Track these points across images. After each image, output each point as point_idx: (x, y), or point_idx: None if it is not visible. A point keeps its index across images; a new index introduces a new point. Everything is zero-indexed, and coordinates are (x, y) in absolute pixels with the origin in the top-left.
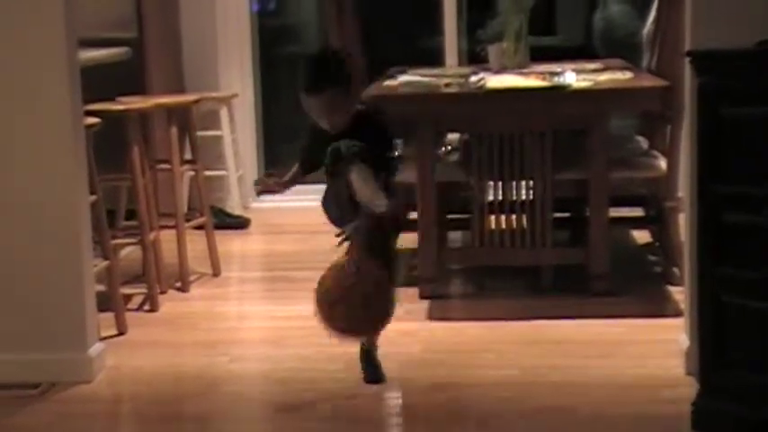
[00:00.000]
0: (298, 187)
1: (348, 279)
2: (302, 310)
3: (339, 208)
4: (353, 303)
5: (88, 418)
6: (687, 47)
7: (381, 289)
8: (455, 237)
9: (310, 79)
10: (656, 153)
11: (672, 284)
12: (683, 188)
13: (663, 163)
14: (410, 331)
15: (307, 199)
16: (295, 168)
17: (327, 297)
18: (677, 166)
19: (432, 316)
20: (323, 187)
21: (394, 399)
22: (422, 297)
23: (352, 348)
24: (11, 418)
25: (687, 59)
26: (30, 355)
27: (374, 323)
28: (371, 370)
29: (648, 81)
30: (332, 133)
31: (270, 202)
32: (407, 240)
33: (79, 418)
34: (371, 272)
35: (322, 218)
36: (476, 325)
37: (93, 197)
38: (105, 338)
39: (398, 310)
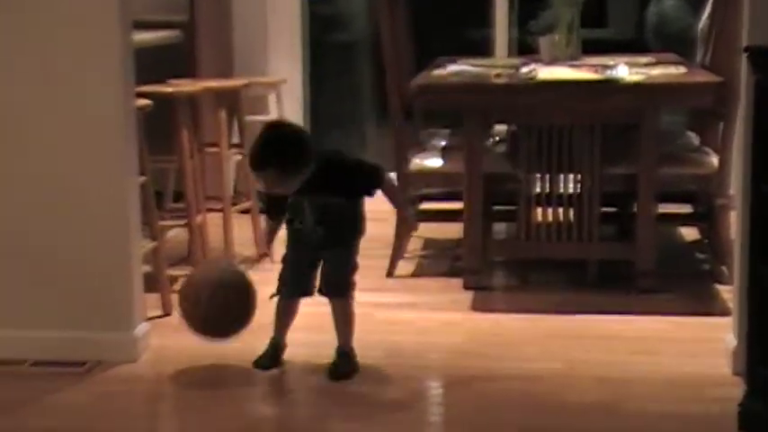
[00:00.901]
0: None
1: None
2: None
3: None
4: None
5: (132, 396)
6: (744, 42)
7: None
8: (499, 228)
9: (253, 157)
10: (707, 149)
11: (720, 283)
12: (734, 186)
13: (714, 160)
14: (453, 322)
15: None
16: (268, 224)
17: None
18: (729, 163)
19: (475, 307)
20: None
21: (436, 388)
22: (466, 288)
23: (394, 336)
24: (57, 394)
25: (744, 55)
26: (77, 334)
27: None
28: (333, 367)
29: (702, 76)
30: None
31: None
32: (452, 231)
33: (123, 396)
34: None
35: (366, 204)
36: (519, 317)
37: (143, 178)
38: (150, 319)
39: (443, 299)
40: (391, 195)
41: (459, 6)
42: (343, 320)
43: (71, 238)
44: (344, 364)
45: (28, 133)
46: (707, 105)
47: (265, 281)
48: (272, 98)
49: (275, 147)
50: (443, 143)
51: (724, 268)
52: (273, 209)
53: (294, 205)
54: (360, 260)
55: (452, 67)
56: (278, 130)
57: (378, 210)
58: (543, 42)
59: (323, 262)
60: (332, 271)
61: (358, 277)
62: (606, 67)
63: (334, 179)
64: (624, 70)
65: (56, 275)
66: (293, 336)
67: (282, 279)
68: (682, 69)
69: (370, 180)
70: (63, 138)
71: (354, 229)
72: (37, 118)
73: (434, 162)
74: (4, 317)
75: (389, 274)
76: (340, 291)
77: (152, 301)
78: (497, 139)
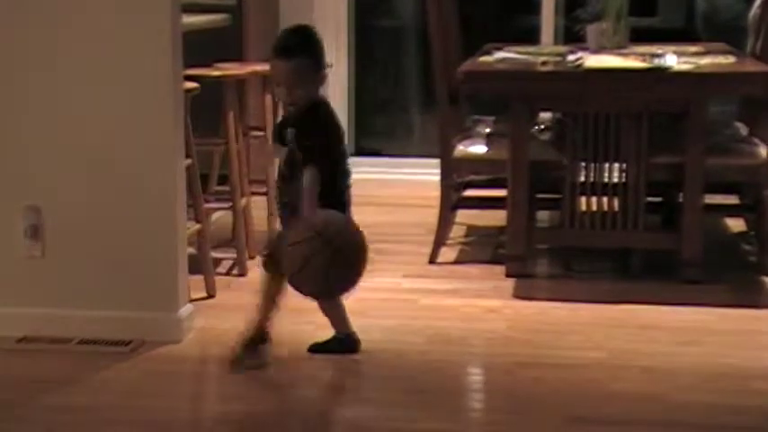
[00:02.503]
0: (383, 160)
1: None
2: (387, 282)
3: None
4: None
5: (175, 376)
6: None
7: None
8: (543, 216)
9: (283, 43)
10: (756, 140)
11: (766, 275)
12: None
13: (763, 150)
14: (495, 308)
15: (393, 172)
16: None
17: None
18: None
19: (518, 294)
20: (408, 161)
21: (478, 375)
22: (508, 275)
23: (436, 322)
24: (102, 372)
25: None
26: (123, 313)
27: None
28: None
29: (752, 66)
30: (288, 108)
31: (356, 173)
32: (496, 218)
33: (167, 376)
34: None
35: (408, 190)
36: (562, 306)
37: (189, 161)
38: (194, 300)
39: (485, 286)
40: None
41: None
42: (331, 311)
43: (118, 220)
44: (323, 344)
45: (77, 117)
46: (756, 95)
47: None
48: None
49: (305, 34)
50: (488, 130)
51: None
52: (275, 135)
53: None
54: (401, 246)
55: (499, 54)
56: (303, 26)
57: (420, 196)
58: (591, 30)
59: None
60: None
61: (399, 263)
62: (654, 55)
63: (308, 124)
64: (672, 59)
65: (103, 256)
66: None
67: None
68: (731, 59)
69: (310, 152)
70: (112, 120)
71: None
72: (86, 102)
73: (479, 149)
74: (53, 296)
75: (432, 260)
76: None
77: (196, 284)
78: (543, 126)
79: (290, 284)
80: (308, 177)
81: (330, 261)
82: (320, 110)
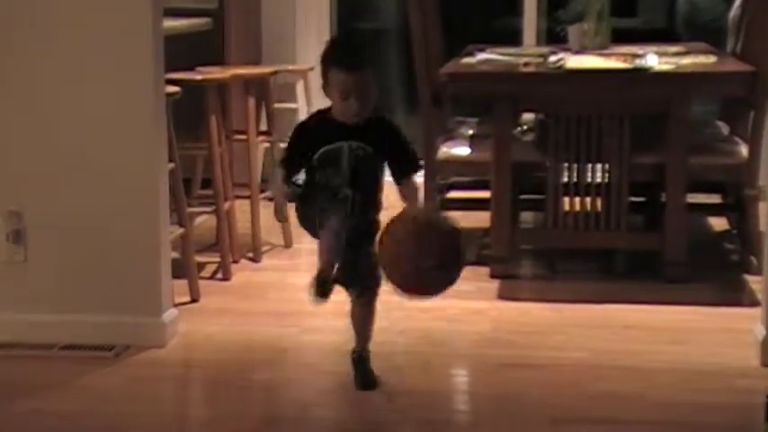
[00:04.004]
0: None
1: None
2: None
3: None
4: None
5: (159, 381)
6: None
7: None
8: (527, 217)
9: (352, 56)
10: (737, 139)
11: (749, 273)
12: (765, 176)
13: (744, 149)
14: (480, 310)
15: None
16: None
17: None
18: (759, 153)
19: (502, 296)
20: None
21: (462, 375)
22: (492, 276)
23: (421, 323)
24: (85, 377)
25: None
26: (106, 318)
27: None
28: (362, 375)
29: (733, 65)
30: (350, 124)
31: None
32: (479, 219)
33: (151, 381)
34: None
35: (392, 192)
36: (546, 306)
37: (171, 165)
38: (178, 305)
39: (470, 287)
40: (412, 190)
41: None
42: (370, 318)
43: (100, 224)
44: (370, 371)
45: (58, 121)
46: (737, 94)
47: (293, 269)
48: (299, 86)
49: (362, 45)
50: (471, 131)
51: (753, 259)
52: (293, 159)
53: (328, 153)
54: None
55: (481, 56)
56: (356, 34)
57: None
58: (572, 31)
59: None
60: (365, 257)
61: None
62: (635, 56)
63: (385, 135)
64: (654, 59)
65: (86, 261)
66: (323, 323)
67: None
68: (712, 58)
69: (412, 160)
70: (94, 125)
71: (378, 209)
72: (68, 106)
73: (462, 150)
74: (35, 301)
75: None
76: (376, 280)
77: (179, 288)
78: (525, 127)
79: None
80: (413, 180)
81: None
82: (381, 115)
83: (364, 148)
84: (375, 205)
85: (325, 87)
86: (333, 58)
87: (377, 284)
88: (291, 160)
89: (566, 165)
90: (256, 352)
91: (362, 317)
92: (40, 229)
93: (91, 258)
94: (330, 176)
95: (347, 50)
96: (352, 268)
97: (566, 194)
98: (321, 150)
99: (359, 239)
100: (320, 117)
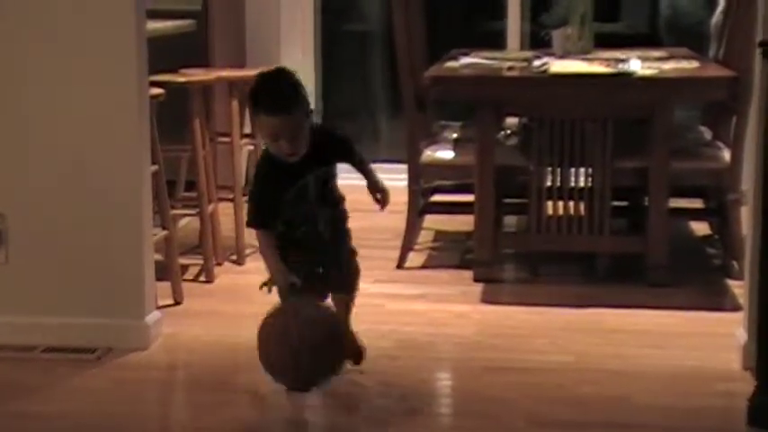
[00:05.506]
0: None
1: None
2: None
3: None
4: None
5: (143, 384)
6: (758, 37)
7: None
8: (510, 221)
9: (277, 100)
10: (719, 144)
11: (731, 278)
12: (747, 181)
13: (726, 154)
14: (464, 314)
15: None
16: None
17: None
18: (741, 157)
19: (485, 299)
20: (375, 166)
21: (446, 379)
22: (476, 280)
23: (404, 327)
24: (68, 380)
25: (758, 50)
26: (89, 321)
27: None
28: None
29: (715, 71)
30: (291, 161)
31: None
32: (463, 223)
33: (134, 383)
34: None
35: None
36: (529, 310)
37: (155, 167)
38: (162, 307)
39: (453, 291)
40: (367, 167)
41: None
42: (350, 310)
43: (83, 226)
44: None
45: (42, 123)
46: (720, 99)
47: None
48: None
49: (293, 84)
50: (455, 135)
51: (735, 263)
52: (266, 212)
53: (296, 196)
54: (369, 251)
55: (465, 60)
56: (284, 73)
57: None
58: (556, 35)
59: (329, 260)
60: (345, 266)
61: (368, 269)
62: (618, 60)
63: (334, 147)
64: (636, 64)
65: (68, 263)
66: None
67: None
68: (694, 63)
69: (355, 150)
70: (77, 127)
71: (345, 211)
72: (51, 108)
73: (446, 154)
74: (17, 303)
75: (400, 265)
76: (355, 284)
77: (163, 290)
78: (509, 131)
79: None
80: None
81: None
82: (321, 129)
83: (324, 169)
84: (340, 198)
85: (254, 129)
86: (259, 101)
87: (356, 282)
88: (264, 215)
89: (549, 169)
90: (240, 354)
91: (345, 312)
92: (21, 230)
93: (73, 260)
94: (298, 209)
95: (273, 93)
96: (336, 267)
97: (549, 198)
98: (291, 195)
99: (336, 234)
100: (269, 161)
